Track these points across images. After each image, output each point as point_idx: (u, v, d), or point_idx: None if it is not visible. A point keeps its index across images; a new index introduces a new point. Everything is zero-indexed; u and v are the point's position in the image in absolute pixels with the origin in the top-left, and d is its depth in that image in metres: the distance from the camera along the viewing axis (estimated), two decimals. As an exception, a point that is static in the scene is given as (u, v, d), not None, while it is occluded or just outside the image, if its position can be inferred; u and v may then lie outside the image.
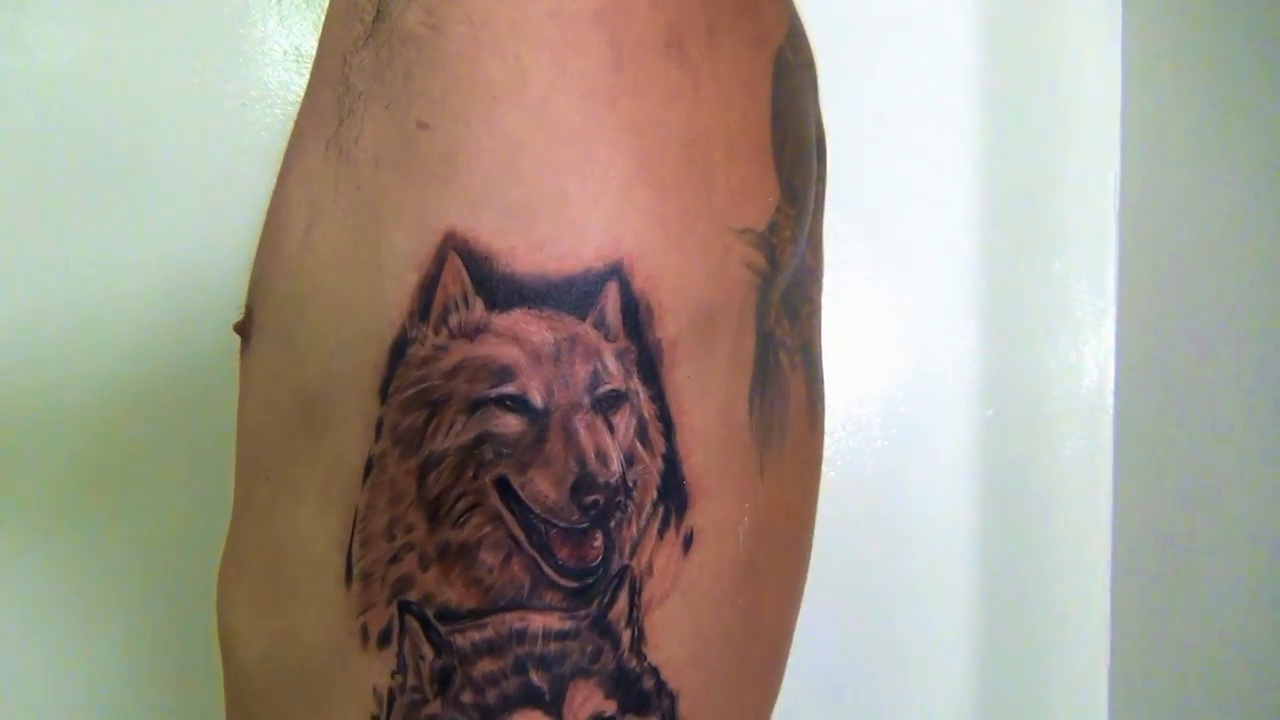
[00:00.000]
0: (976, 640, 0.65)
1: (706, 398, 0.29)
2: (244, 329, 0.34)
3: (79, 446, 0.62)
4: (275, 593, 0.31)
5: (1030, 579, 0.65)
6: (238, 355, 0.36)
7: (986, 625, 0.65)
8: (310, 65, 0.33)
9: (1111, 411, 0.64)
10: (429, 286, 0.27)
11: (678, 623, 0.30)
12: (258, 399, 0.32)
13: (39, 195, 0.61)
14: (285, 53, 0.62)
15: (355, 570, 0.29)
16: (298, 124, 0.34)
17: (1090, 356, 0.64)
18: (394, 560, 0.28)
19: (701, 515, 0.30)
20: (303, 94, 0.33)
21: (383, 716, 0.29)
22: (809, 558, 0.37)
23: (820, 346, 0.36)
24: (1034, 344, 0.65)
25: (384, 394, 0.28)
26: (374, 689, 0.29)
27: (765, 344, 0.31)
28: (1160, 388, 0.62)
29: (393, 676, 0.28)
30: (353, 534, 0.29)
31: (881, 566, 0.64)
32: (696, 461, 0.29)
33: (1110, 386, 0.64)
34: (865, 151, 0.64)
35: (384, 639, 0.28)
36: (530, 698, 0.28)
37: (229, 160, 0.61)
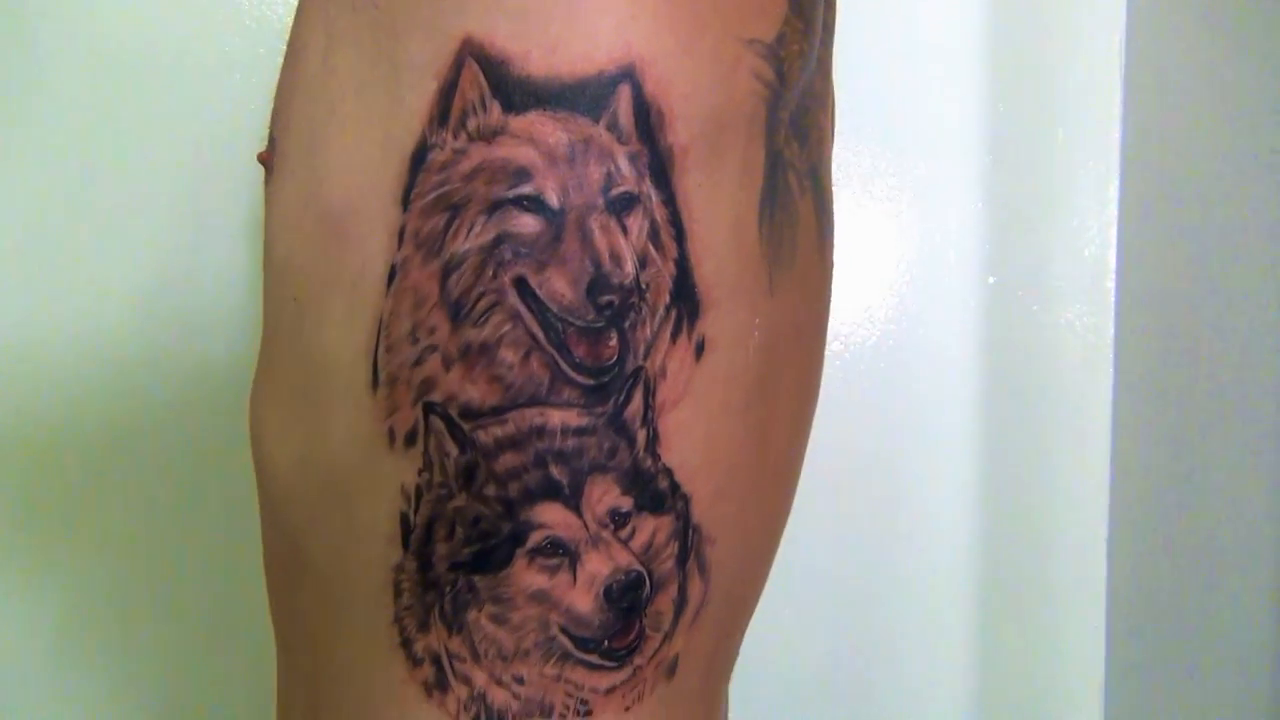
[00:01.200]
0: (977, 498, 0.67)
1: (717, 208, 0.30)
2: (267, 159, 0.35)
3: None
4: (305, 404, 0.32)
5: (1031, 439, 0.67)
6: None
7: (988, 483, 0.67)
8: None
9: (1113, 277, 0.65)
10: (448, 92, 0.28)
11: (691, 428, 0.31)
12: (283, 224, 0.33)
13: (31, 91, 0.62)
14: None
15: (381, 375, 0.30)
16: None
17: (1093, 221, 0.65)
18: (418, 363, 0.29)
19: (713, 324, 0.31)
20: None
21: (411, 512, 0.30)
22: (819, 385, 0.38)
23: (830, 175, 0.36)
24: (1037, 210, 0.66)
25: (406, 201, 0.29)
26: (402, 486, 0.30)
27: (774, 162, 0.32)
28: (1162, 252, 0.63)
29: (419, 474, 0.30)
30: (378, 341, 0.30)
31: (887, 423, 0.66)
32: (707, 270, 0.30)
33: (1112, 252, 0.65)
34: (867, 20, 0.64)
35: (410, 439, 0.30)
36: (550, 490, 0.30)
37: (235, 38, 0.61)
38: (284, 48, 0.57)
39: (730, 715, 0.41)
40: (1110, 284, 0.65)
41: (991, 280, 0.66)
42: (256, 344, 0.60)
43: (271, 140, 0.35)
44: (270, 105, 0.57)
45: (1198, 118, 0.60)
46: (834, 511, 0.67)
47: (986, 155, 0.66)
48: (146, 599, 0.64)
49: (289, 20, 0.53)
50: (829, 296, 0.37)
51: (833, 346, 0.66)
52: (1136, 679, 0.67)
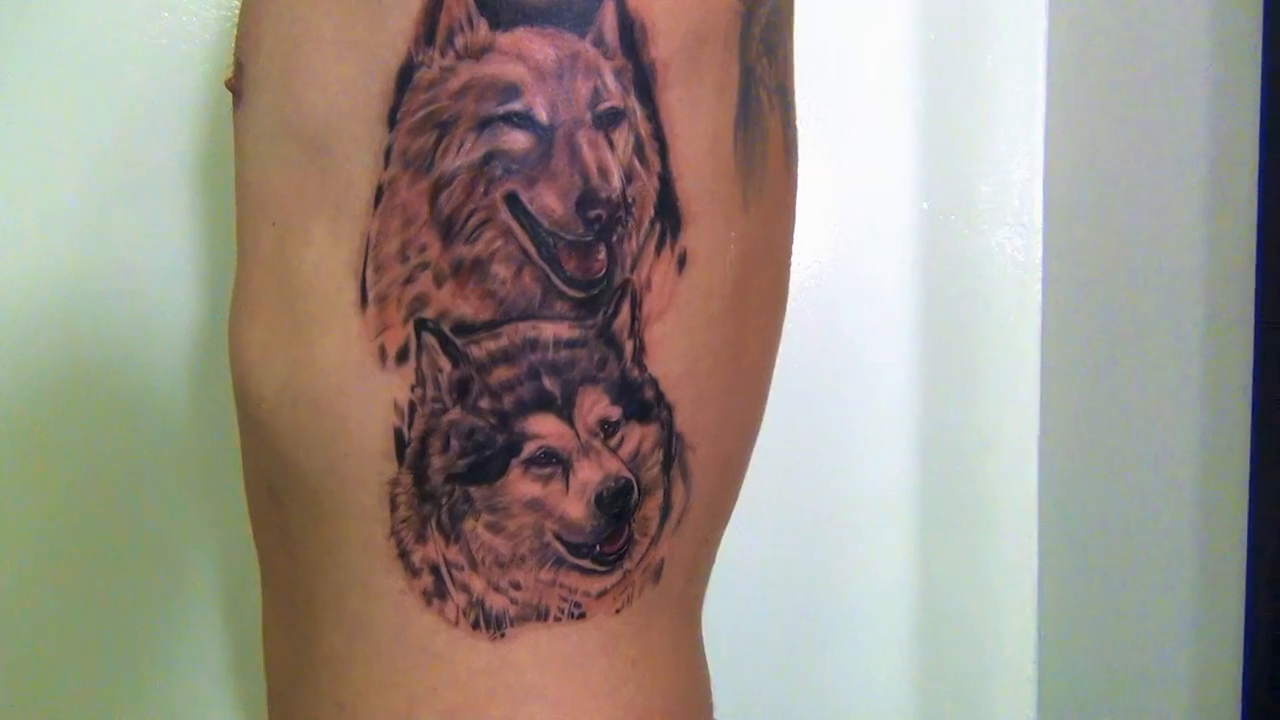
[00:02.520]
0: (914, 412, 0.70)
1: (696, 122, 0.31)
2: (235, 85, 0.35)
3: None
4: (290, 326, 0.33)
5: (965, 354, 0.69)
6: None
7: (925, 398, 0.70)
8: None
9: (1040, 200, 0.68)
10: (433, 10, 0.28)
11: (674, 339, 0.32)
12: (257, 149, 0.33)
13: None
14: None
15: (370, 294, 0.30)
16: None
17: (1020, 147, 0.67)
18: (409, 281, 0.30)
19: (693, 238, 0.32)
20: None
21: (405, 427, 0.31)
22: (786, 297, 0.40)
23: (793, 90, 0.38)
24: (966, 138, 0.68)
25: (392, 121, 0.29)
26: (394, 403, 0.31)
27: (747, 77, 0.33)
28: (1086, 175, 0.66)
29: (412, 390, 0.31)
30: (365, 260, 0.30)
31: (826, 344, 0.68)
32: (688, 184, 0.31)
33: (1039, 177, 0.67)
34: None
35: (402, 356, 0.30)
36: (544, 401, 0.30)
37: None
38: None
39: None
40: (1038, 207, 0.68)
41: (924, 205, 0.68)
42: (195, 292, 0.60)
43: (238, 65, 0.35)
44: (209, 37, 0.56)
45: (1120, 43, 0.63)
46: (774, 431, 0.69)
47: (917, 84, 0.67)
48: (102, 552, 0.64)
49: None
50: (794, 210, 0.38)
51: (774, 274, 0.67)
52: (1067, 581, 0.71)
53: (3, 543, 0.63)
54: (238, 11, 0.36)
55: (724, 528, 0.39)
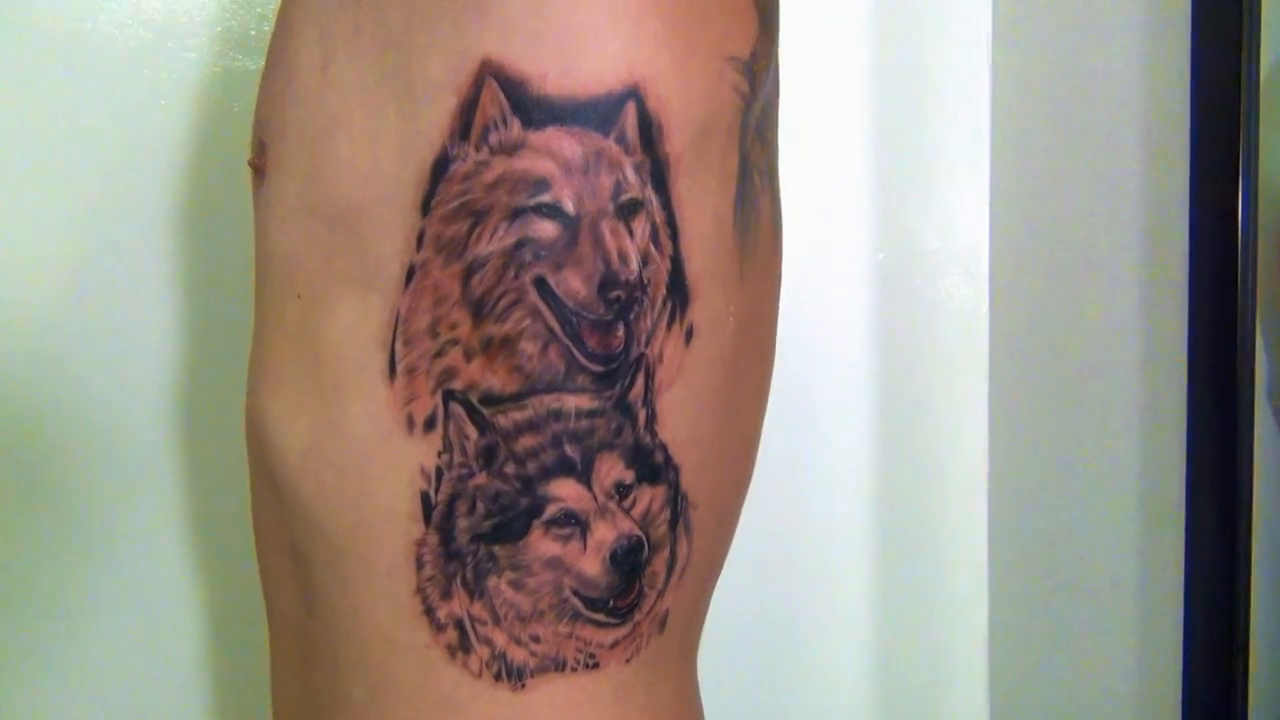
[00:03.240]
0: (870, 449, 0.73)
1: (703, 207, 0.34)
2: (259, 163, 0.37)
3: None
4: (315, 394, 0.34)
5: (917, 396, 0.73)
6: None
7: (881, 436, 0.73)
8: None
9: (986, 251, 0.72)
10: (468, 109, 0.31)
11: (682, 406, 0.34)
12: (284, 225, 0.35)
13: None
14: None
15: (399, 366, 0.32)
16: None
17: (967, 201, 0.72)
18: (439, 355, 0.32)
19: (699, 312, 0.34)
20: None
21: (431, 490, 0.33)
22: (774, 359, 0.42)
23: (779, 171, 0.40)
24: (918, 193, 0.72)
25: (425, 207, 0.32)
26: (421, 468, 0.33)
27: (745, 163, 0.36)
28: (1029, 228, 0.70)
29: (439, 456, 0.33)
30: (395, 334, 0.32)
31: (787, 387, 0.71)
32: (695, 264, 0.34)
33: (985, 229, 0.71)
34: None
35: (429, 424, 0.32)
36: (565, 467, 0.33)
37: (139, 35, 0.61)
38: (195, 29, 0.57)
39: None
40: (984, 256, 0.72)
41: (880, 256, 0.72)
42: (171, 337, 0.61)
43: (261, 145, 0.37)
44: (186, 90, 0.58)
45: (1060, 105, 0.67)
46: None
47: (873, 144, 0.71)
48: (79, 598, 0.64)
49: (195, 17, 0.54)
50: (780, 275, 0.41)
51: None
52: (1016, 607, 0.75)
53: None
54: (257, 89, 0.38)
55: (718, 576, 0.42)
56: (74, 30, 0.60)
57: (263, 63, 0.38)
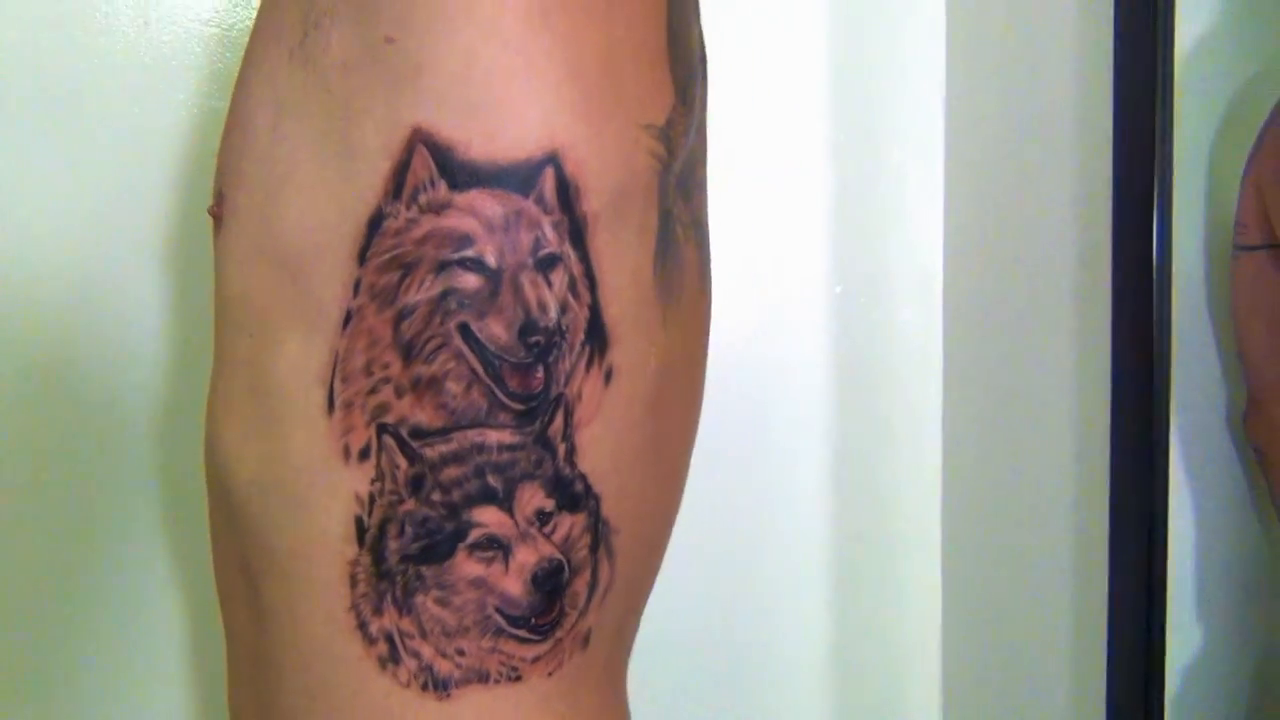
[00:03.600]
0: (828, 474, 0.76)
1: (620, 261, 0.37)
2: (216, 211, 0.40)
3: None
4: (261, 425, 0.37)
5: (874, 422, 0.76)
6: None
7: (837, 461, 0.76)
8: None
9: (940, 283, 0.75)
10: (401, 171, 0.34)
11: (601, 440, 0.37)
12: (238, 268, 0.38)
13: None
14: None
15: (337, 401, 0.35)
16: (256, 35, 0.39)
17: (922, 236, 0.75)
18: (372, 391, 0.35)
19: (618, 355, 0.37)
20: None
21: (365, 515, 0.36)
22: (702, 397, 0.45)
23: (708, 220, 0.43)
24: (875, 228, 0.75)
25: (361, 258, 0.35)
26: (356, 494, 0.36)
27: (665, 219, 0.39)
28: (982, 261, 0.73)
29: (372, 483, 0.35)
30: (334, 372, 0.35)
31: (750, 413, 0.74)
32: (613, 312, 0.37)
33: (939, 262, 0.74)
34: (721, 65, 0.71)
35: (363, 454, 0.35)
36: (488, 496, 0.36)
37: (132, 77, 0.64)
38: (176, 84, 0.61)
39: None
40: (938, 289, 0.75)
41: (838, 289, 0.75)
42: (162, 361, 0.64)
43: (219, 195, 0.40)
44: (173, 141, 0.61)
45: (1009, 144, 0.70)
46: (702, 497, 0.75)
47: (830, 180, 0.74)
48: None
49: (186, 62, 0.57)
50: (709, 323, 0.44)
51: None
52: (966, 625, 0.77)
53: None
54: (219, 139, 0.41)
55: (646, 599, 0.45)
56: (84, 66, 0.64)
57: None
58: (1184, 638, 0.75)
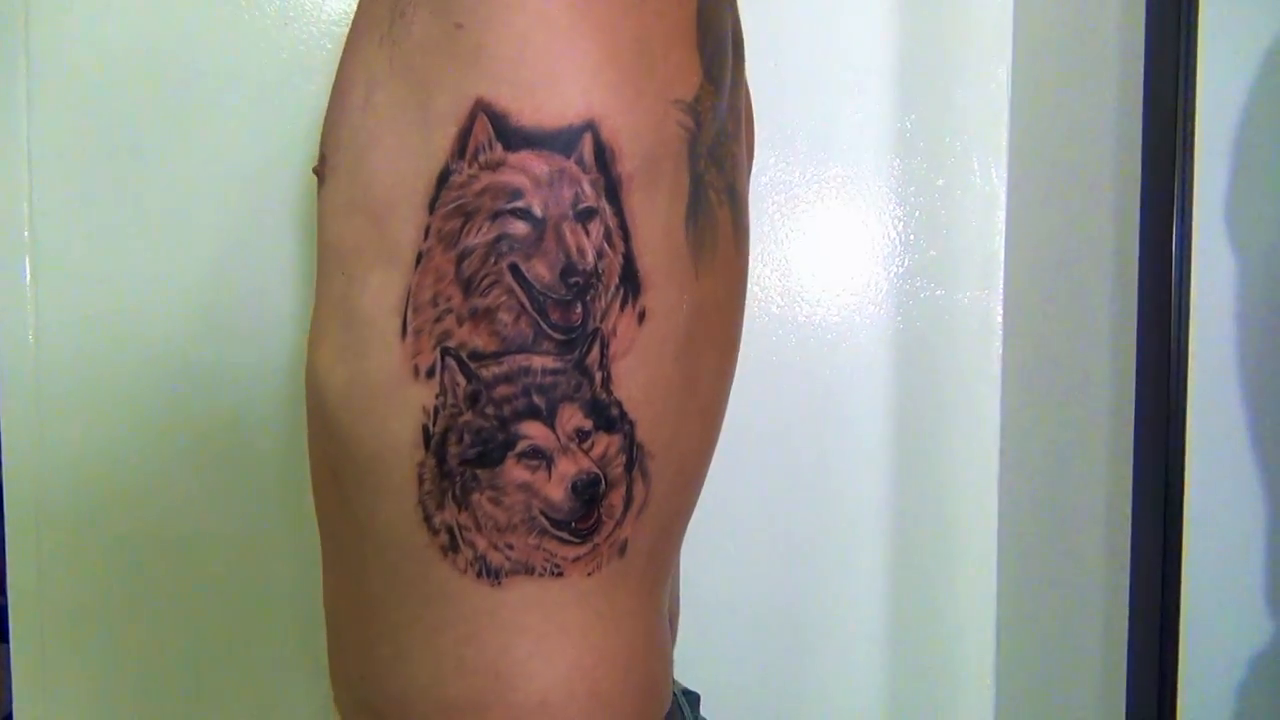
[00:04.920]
0: (890, 449, 0.80)
1: (653, 217, 0.43)
2: (320, 171, 0.47)
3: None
4: (349, 347, 0.44)
5: (934, 398, 0.80)
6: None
7: (899, 436, 0.80)
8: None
9: (1002, 266, 0.78)
10: (464, 135, 0.40)
11: (635, 372, 0.43)
12: (334, 216, 0.45)
13: (103, 113, 0.74)
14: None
15: (409, 328, 0.42)
16: (354, 25, 0.46)
17: (986, 221, 0.78)
18: (438, 320, 0.42)
19: (651, 299, 0.43)
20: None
21: (430, 424, 0.42)
22: (738, 344, 0.51)
23: (746, 189, 0.49)
24: (941, 212, 0.79)
25: (431, 207, 0.41)
26: (423, 406, 0.42)
27: (697, 184, 0.44)
28: (1041, 246, 0.76)
29: (437, 398, 0.42)
30: (407, 304, 0.42)
31: (815, 388, 0.79)
32: (646, 261, 0.43)
33: (1001, 245, 0.78)
34: (801, 61, 0.76)
35: (430, 373, 0.42)
36: (533, 412, 0.42)
37: (273, 70, 0.73)
38: (311, 75, 0.70)
39: (684, 629, 0.53)
40: (999, 272, 0.78)
41: (901, 268, 0.79)
42: (301, 327, 0.73)
43: (322, 157, 0.47)
44: (307, 123, 0.70)
45: (1069, 135, 0.73)
46: (771, 466, 0.80)
47: (899, 166, 0.79)
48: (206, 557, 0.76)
49: (320, 56, 0.66)
50: (744, 278, 0.50)
51: (764, 324, 0.79)
52: (1020, 596, 0.81)
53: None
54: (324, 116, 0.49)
55: (684, 522, 0.50)
56: (230, 61, 0.73)
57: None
58: (1256, 626, 0.77)
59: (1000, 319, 0.78)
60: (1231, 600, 0.79)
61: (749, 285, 0.53)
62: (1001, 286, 0.78)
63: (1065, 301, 0.73)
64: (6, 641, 0.79)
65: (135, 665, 0.77)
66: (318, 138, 0.74)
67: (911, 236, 0.79)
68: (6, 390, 0.76)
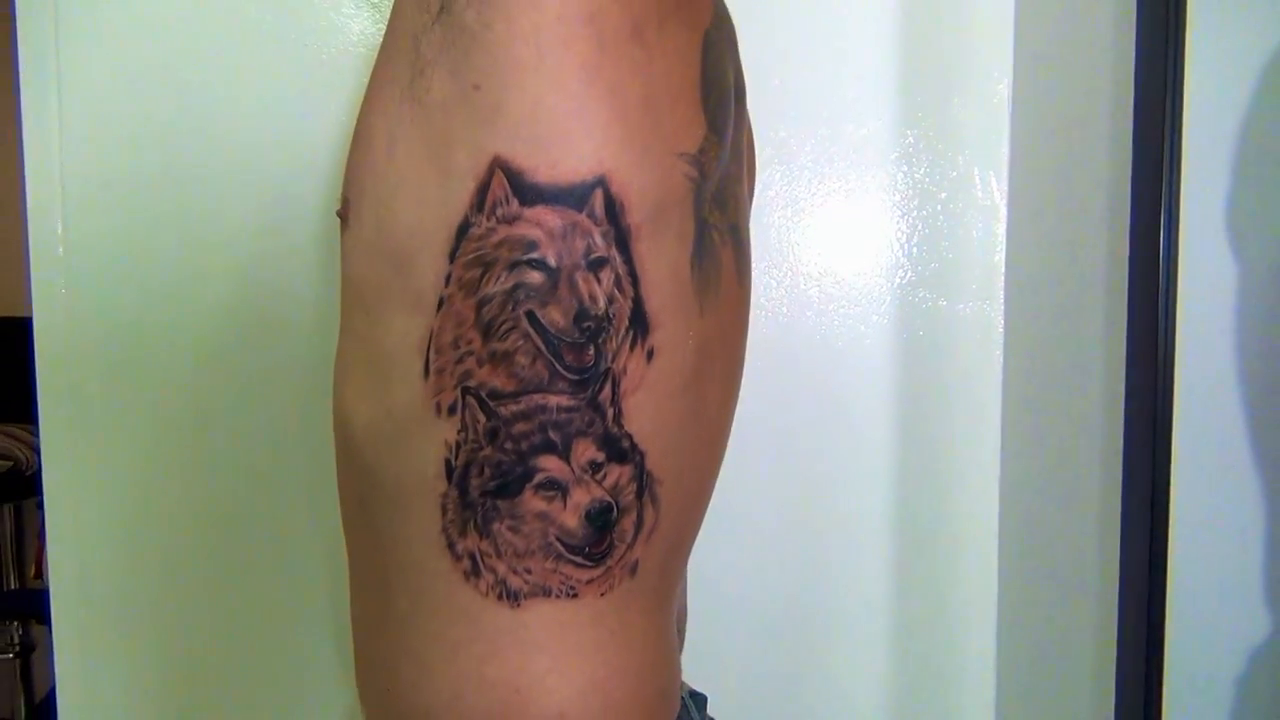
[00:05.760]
0: (891, 457, 0.83)
1: (660, 261, 0.45)
2: (344, 214, 0.50)
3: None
4: (374, 383, 0.47)
5: (936, 407, 0.82)
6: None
7: (902, 444, 0.83)
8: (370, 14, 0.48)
9: (1002, 277, 0.80)
10: (483, 190, 0.43)
11: (644, 406, 0.46)
12: (357, 257, 0.48)
13: (137, 128, 0.76)
14: (335, 4, 0.77)
15: (432, 368, 0.45)
16: (374, 78, 0.49)
17: (987, 233, 0.80)
18: (459, 361, 0.44)
19: (659, 338, 0.46)
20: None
21: (452, 458, 0.45)
22: (740, 374, 0.53)
23: (747, 224, 0.51)
24: (942, 223, 0.81)
25: (452, 256, 0.44)
26: (445, 441, 0.45)
27: (701, 228, 0.47)
28: (1041, 257, 0.78)
29: (458, 434, 0.45)
30: (429, 345, 0.45)
31: (818, 397, 0.82)
32: (654, 303, 0.45)
33: (1002, 257, 0.80)
34: (799, 74, 0.78)
35: (452, 410, 0.45)
36: (549, 446, 0.45)
37: (299, 88, 0.76)
38: (339, 94, 0.72)
39: (693, 629, 0.56)
40: (1000, 283, 0.81)
41: (904, 279, 0.81)
42: (322, 330, 0.76)
43: (345, 200, 0.50)
44: (333, 138, 0.72)
45: (1067, 148, 0.75)
46: (777, 471, 0.83)
47: (900, 176, 0.81)
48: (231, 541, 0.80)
49: (347, 78, 0.68)
50: (747, 312, 0.52)
51: (771, 333, 0.81)
52: (1019, 595, 0.83)
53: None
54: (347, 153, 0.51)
55: (691, 540, 0.53)
56: (254, 79, 0.75)
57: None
58: (1254, 621, 0.79)
59: (1001, 328, 0.81)
60: (1222, 596, 0.82)
61: (755, 297, 0.56)
62: (1002, 297, 0.80)
63: (1063, 311, 0.75)
64: (47, 623, 0.83)
65: (170, 651, 0.81)
66: (341, 143, 0.77)
67: (915, 248, 0.81)
68: (45, 389, 0.79)
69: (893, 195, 0.81)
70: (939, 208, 0.81)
